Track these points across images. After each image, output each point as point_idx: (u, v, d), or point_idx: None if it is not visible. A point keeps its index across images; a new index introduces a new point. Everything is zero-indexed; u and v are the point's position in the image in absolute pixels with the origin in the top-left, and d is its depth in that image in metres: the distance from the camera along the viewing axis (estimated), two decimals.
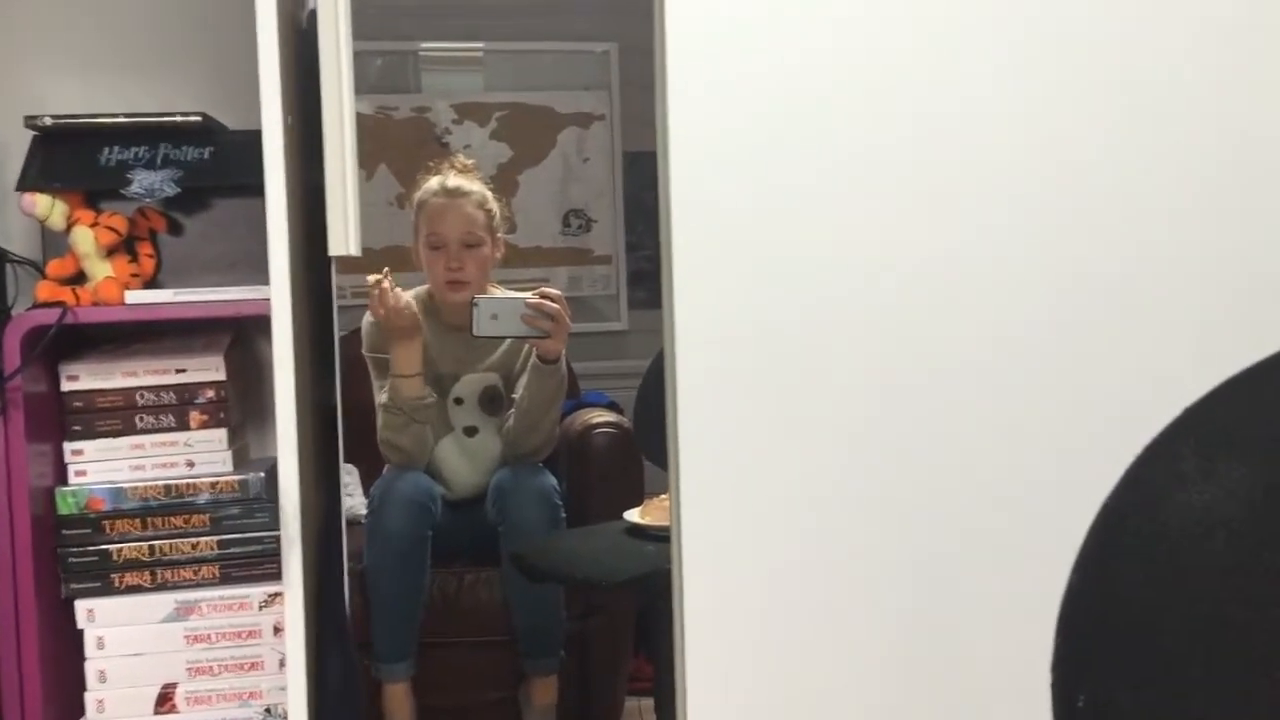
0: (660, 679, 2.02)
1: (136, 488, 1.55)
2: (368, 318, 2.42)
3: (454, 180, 2.39)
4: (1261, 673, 1.26)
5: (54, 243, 1.63)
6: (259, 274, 1.39)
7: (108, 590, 1.54)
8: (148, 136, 1.59)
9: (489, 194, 2.41)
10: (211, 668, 1.54)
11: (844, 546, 1.24)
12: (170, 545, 1.54)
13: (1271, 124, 1.24)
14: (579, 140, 3.53)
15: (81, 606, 1.54)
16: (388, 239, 3.18)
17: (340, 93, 1.28)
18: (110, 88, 1.73)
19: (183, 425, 1.57)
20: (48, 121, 1.56)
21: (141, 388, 1.57)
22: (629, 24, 3.41)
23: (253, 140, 1.37)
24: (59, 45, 1.74)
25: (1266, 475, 1.24)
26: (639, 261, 3.57)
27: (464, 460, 2.41)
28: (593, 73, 3.53)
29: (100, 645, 1.53)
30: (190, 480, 1.56)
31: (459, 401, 2.40)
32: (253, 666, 1.54)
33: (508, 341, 2.36)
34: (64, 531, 1.54)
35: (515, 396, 2.37)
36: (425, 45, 3.51)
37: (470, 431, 2.40)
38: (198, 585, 1.54)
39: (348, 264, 1.64)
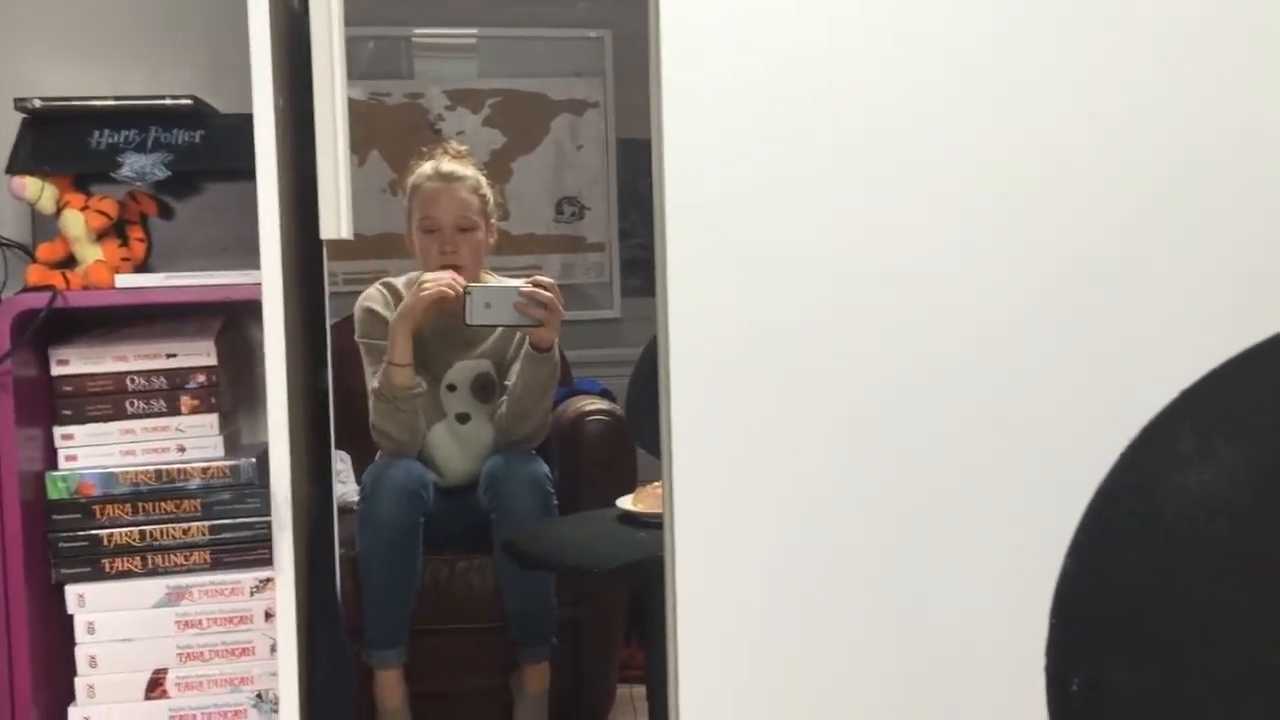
0: (652, 666, 2.02)
1: (127, 473, 1.54)
2: (361, 303, 2.41)
3: (448, 165, 2.38)
4: (1257, 656, 1.26)
5: (44, 226, 1.62)
6: (250, 258, 1.38)
7: (98, 575, 1.53)
8: (138, 119, 1.58)
9: (483, 179, 2.41)
10: (203, 653, 1.54)
11: (836, 533, 1.24)
12: (161, 530, 1.54)
13: (1265, 109, 1.24)
14: (572, 127, 3.52)
15: (72, 592, 1.53)
16: (380, 226, 3.17)
17: (332, 74, 1.27)
18: (100, 70, 1.71)
19: (174, 410, 1.56)
20: (37, 104, 1.55)
21: (132, 372, 1.56)
22: (623, 10, 3.40)
23: (244, 124, 1.36)
24: (49, 28, 1.73)
25: (1265, 457, 1.24)
26: (632, 249, 3.56)
27: (456, 447, 2.40)
28: (586, 59, 3.52)
29: (91, 630, 1.53)
30: (181, 465, 1.55)
31: (452, 388, 2.40)
32: (244, 652, 1.54)
33: (501, 328, 2.35)
34: (54, 516, 1.53)
35: (508, 383, 2.37)
36: (419, 31, 3.49)
37: (463, 418, 2.40)
38: (189, 570, 1.54)
39: (340, 251, 1.63)
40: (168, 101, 1.58)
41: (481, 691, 2.37)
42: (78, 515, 1.53)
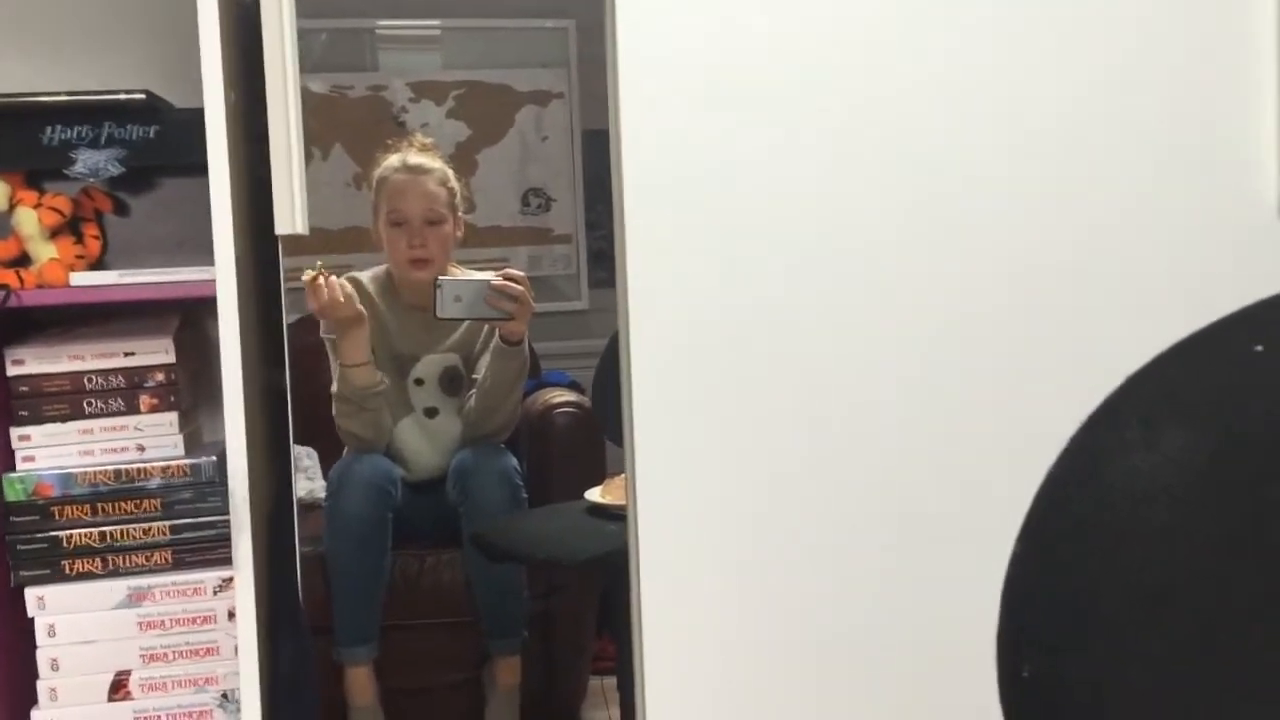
0: (623, 658, 2.02)
1: (86, 473, 1.52)
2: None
3: (415, 158, 2.36)
4: (1205, 641, 1.27)
5: None
6: (207, 254, 1.37)
7: (58, 577, 1.51)
8: (91, 115, 1.56)
9: (450, 172, 2.39)
10: (166, 654, 1.52)
11: (798, 523, 1.24)
12: (121, 531, 1.52)
13: (1220, 96, 1.24)
14: (537, 119, 3.50)
15: (31, 594, 1.51)
16: (345, 220, 3.15)
17: (284, 66, 1.26)
18: (52, 65, 1.69)
19: (132, 409, 1.55)
20: None
21: (89, 371, 1.54)
22: (586, 1, 3.38)
23: (199, 118, 1.34)
24: None
25: (1208, 442, 1.25)
26: (599, 240, 3.55)
27: (424, 441, 2.39)
28: (551, 50, 3.50)
29: (51, 633, 1.51)
30: (141, 465, 1.53)
31: (419, 382, 2.39)
32: (208, 652, 1.53)
33: (468, 321, 2.34)
34: (12, 519, 1.51)
35: (476, 377, 2.36)
36: (382, 23, 3.47)
37: (430, 413, 2.39)
38: (150, 571, 1.52)
39: (305, 245, 1.62)
40: (121, 96, 1.55)
41: (453, 686, 2.36)
42: (36, 517, 1.51)
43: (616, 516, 1.90)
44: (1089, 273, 1.25)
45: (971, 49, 1.22)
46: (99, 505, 1.52)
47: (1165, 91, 1.24)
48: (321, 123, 3.26)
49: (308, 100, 1.35)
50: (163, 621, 1.52)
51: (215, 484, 1.53)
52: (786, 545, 1.24)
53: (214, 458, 1.54)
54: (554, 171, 3.51)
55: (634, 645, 1.26)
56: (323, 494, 2.32)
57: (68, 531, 1.52)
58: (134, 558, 1.53)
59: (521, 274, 2.15)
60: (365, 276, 2.42)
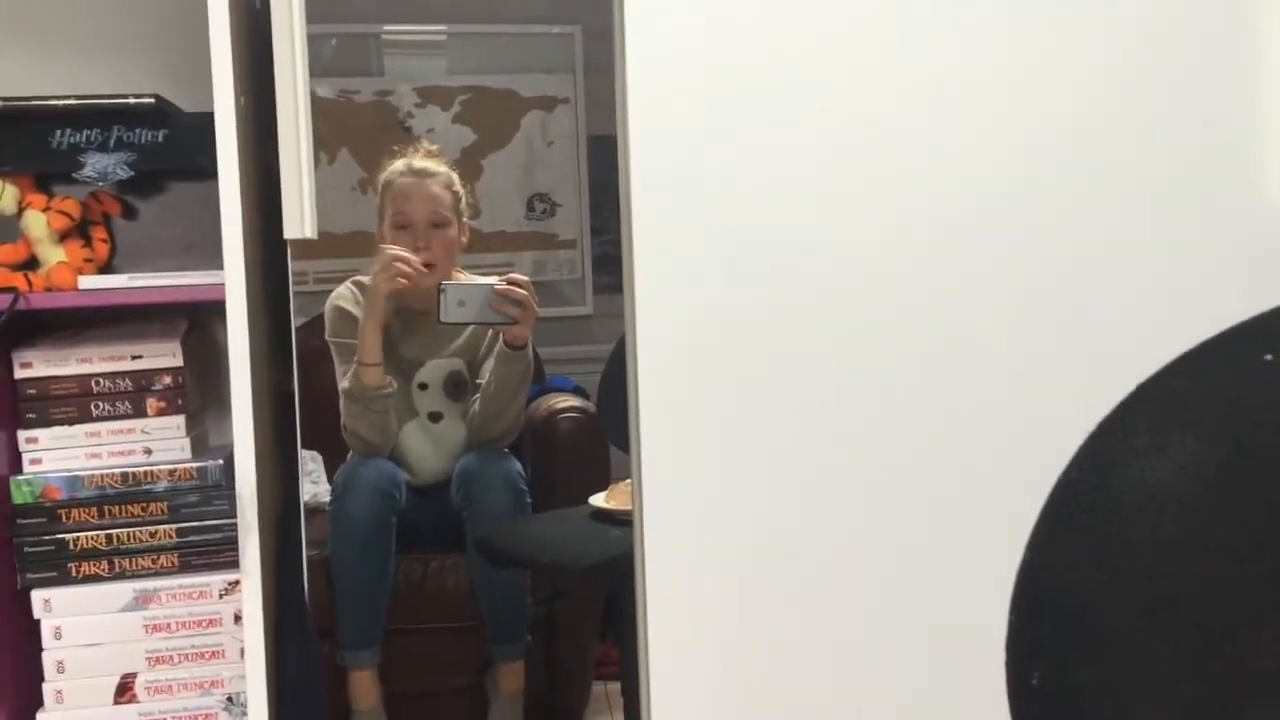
0: (627, 663, 2.02)
1: (93, 476, 1.52)
2: (332, 301, 2.40)
3: (420, 161, 2.37)
4: (1214, 648, 1.27)
5: (5, 228, 1.60)
6: (216, 258, 1.37)
7: (65, 580, 1.51)
8: (100, 119, 1.57)
9: (455, 176, 2.40)
10: (171, 657, 1.52)
11: (804, 529, 1.24)
12: (128, 534, 1.52)
13: (1227, 107, 1.25)
14: (543, 124, 3.50)
15: (38, 596, 1.51)
16: (351, 224, 3.15)
17: (294, 70, 1.26)
18: (61, 69, 1.69)
19: (140, 412, 1.55)
20: None
21: (97, 374, 1.54)
22: (592, 6, 3.39)
23: (208, 122, 1.35)
24: (8, 26, 1.71)
25: (1217, 450, 1.25)
26: (604, 246, 3.56)
27: (428, 446, 2.40)
28: (556, 56, 3.51)
29: (58, 635, 1.51)
30: (148, 468, 1.53)
31: (423, 387, 2.39)
32: (214, 655, 1.53)
33: (472, 326, 2.35)
34: (19, 521, 1.51)
35: (480, 382, 2.36)
36: (388, 28, 3.47)
37: (435, 417, 2.39)
38: (156, 574, 1.52)
39: (311, 250, 1.62)
40: (130, 100, 1.56)
41: (456, 691, 2.36)
42: (43, 519, 1.51)
43: (621, 522, 1.90)
44: (1098, 280, 1.25)
45: (976, 52, 1.23)
46: (106, 508, 1.52)
47: (1176, 99, 1.24)
48: (328, 127, 3.27)
49: (314, 105, 1.35)
50: (169, 624, 1.52)
51: (222, 487, 1.53)
52: (792, 551, 1.24)
53: (221, 461, 1.54)
54: (559, 177, 3.52)
55: (639, 650, 1.26)
56: (327, 498, 2.33)
57: (74, 534, 1.52)
58: (140, 560, 1.53)
59: (525, 278, 2.16)
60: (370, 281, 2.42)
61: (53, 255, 1.55)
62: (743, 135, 1.22)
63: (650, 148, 1.22)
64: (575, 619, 2.42)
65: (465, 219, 2.41)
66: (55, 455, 1.54)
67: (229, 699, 1.53)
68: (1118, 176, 1.25)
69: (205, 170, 1.45)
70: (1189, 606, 1.26)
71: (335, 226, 3.15)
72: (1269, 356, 1.26)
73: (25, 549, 1.51)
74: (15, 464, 1.54)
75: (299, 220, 1.29)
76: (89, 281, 1.53)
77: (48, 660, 1.51)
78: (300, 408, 1.64)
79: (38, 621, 1.52)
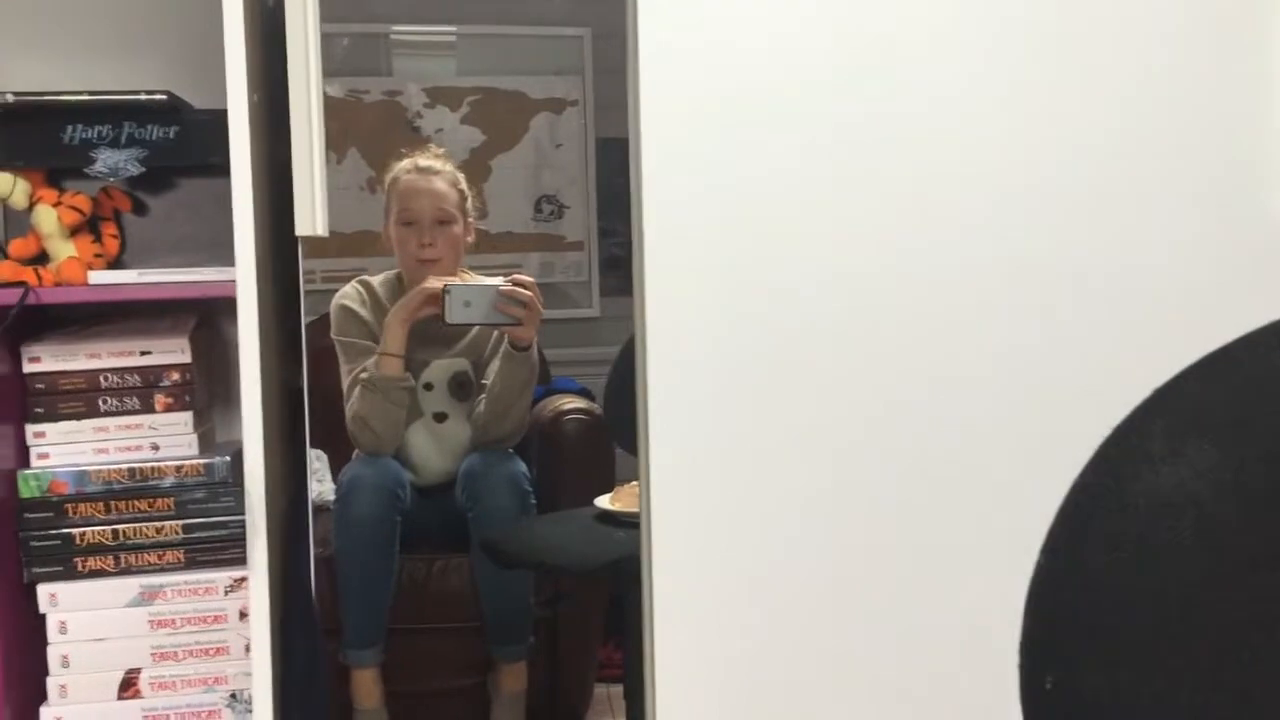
0: (631, 666, 2.02)
1: (100, 471, 1.53)
2: (337, 300, 2.40)
3: (426, 160, 2.38)
4: (1228, 653, 1.27)
5: (16, 222, 1.60)
6: (225, 255, 1.37)
7: (70, 574, 1.51)
8: (112, 115, 1.57)
9: (461, 175, 2.41)
10: (176, 653, 1.52)
11: (812, 533, 1.24)
12: (134, 529, 1.52)
13: (1241, 112, 1.25)
14: (552, 126, 3.51)
15: (44, 591, 1.51)
16: (358, 223, 3.15)
17: (308, 68, 1.26)
18: (73, 65, 1.70)
19: (147, 408, 1.55)
20: (9, 98, 1.54)
21: (105, 370, 1.54)
22: (602, 8, 3.39)
23: (218, 119, 1.35)
24: (21, 21, 1.71)
25: (1234, 455, 1.25)
26: (611, 248, 3.56)
27: (433, 446, 2.40)
28: (566, 58, 3.51)
29: (63, 630, 1.51)
30: (155, 464, 1.54)
31: (429, 387, 2.39)
32: (218, 652, 1.53)
33: (477, 327, 2.35)
34: (26, 515, 1.51)
35: (485, 382, 2.36)
36: (397, 28, 3.48)
37: (440, 417, 2.39)
38: (162, 570, 1.53)
39: (318, 248, 1.62)
40: (142, 97, 1.56)
41: (459, 691, 2.36)
42: (50, 514, 1.51)
43: (626, 524, 1.90)
44: (1115, 286, 1.25)
45: (992, 63, 1.23)
46: (112, 503, 1.52)
47: (1194, 105, 1.24)
48: (337, 127, 3.27)
49: (325, 104, 1.35)
50: (173, 620, 1.52)
51: (228, 484, 1.53)
52: (800, 555, 1.24)
53: (228, 458, 1.54)
54: (567, 179, 3.52)
55: (644, 652, 1.26)
56: (331, 496, 2.33)
57: (81, 529, 1.52)
58: (146, 556, 1.53)
59: (530, 279, 2.16)
60: (376, 280, 2.43)
61: (63, 250, 1.55)
62: (755, 138, 1.22)
63: (662, 150, 1.22)
64: (578, 621, 2.42)
65: (471, 218, 2.41)
66: (63, 450, 1.54)
67: (232, 695, 1.53)
68: (1134, 182, 1.25)
69: (216, 167, 1.46)
70: (1204, 611, 1.26)
71: (343, 225, 3.15)
72: None
73: (31, 543, 1.51)
74: (23, 458, 1.54)
75: (311, 217, 1.29)
76: (99, 277, 1.53)
77: (52, 655, 1.52)
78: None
79: (43, 616, 1.52)
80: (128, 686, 1.52)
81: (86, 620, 1.52)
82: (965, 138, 1.23)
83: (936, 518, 1.25)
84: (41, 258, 1.57)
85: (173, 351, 1.56)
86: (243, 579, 1.50)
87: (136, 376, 1.55)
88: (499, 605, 2.30)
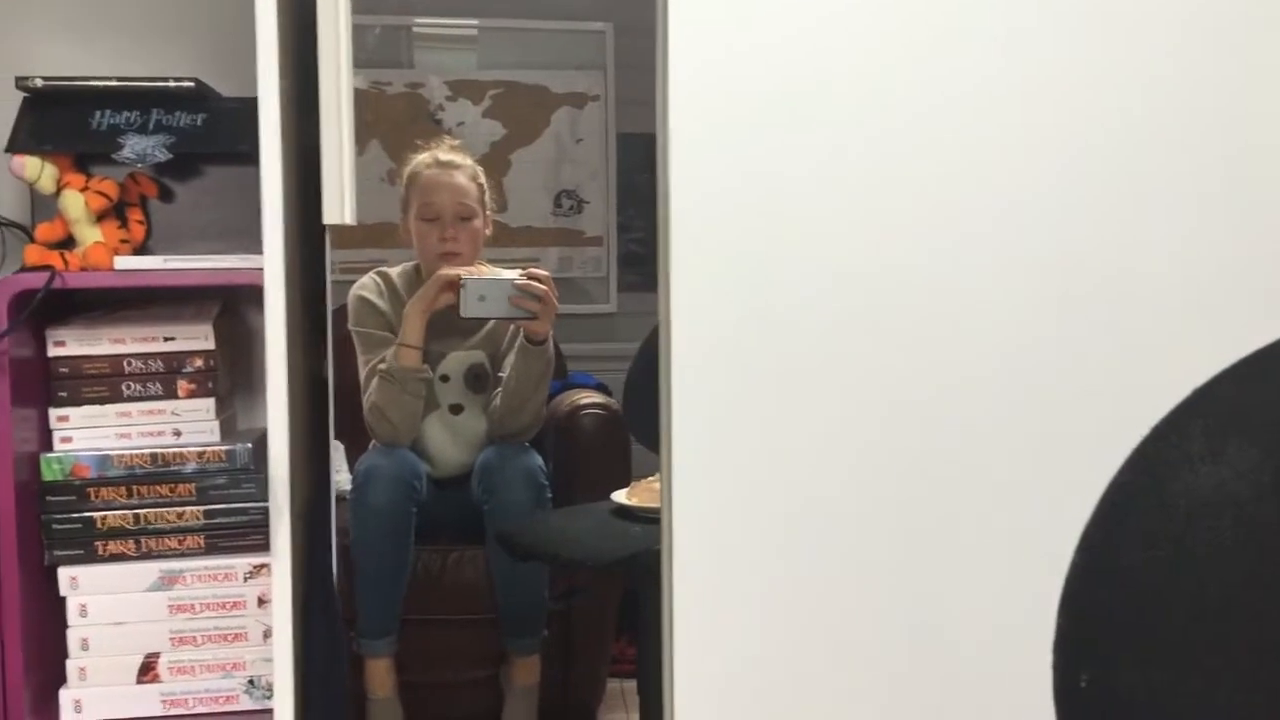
0: (644, 661, 2.02)
1: (122, 455, 1.53)
2: (355, 291, 2.40)
3: (446, 154, 2.38)
4: (1266, 655, 1.26)
5: (43, 206, 1.61)
6: (249, 242, 1.38)
7: (91, 558, 1.52)
8: (140, 101, 1.57)
9: (480, 169, 2.42)
10: (195, 638, 1.53)
11: (836, 531, 1.24)
12: (155, 514, 1.53)
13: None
14: (573, 120, 3.51)
15: (65, 574, 1.52)
16: (379, 215, 3.16)
17: (338, 54, 1.27)
18: (103, 51, 1.71)
19: (170, 394, 1.56)
20: (39, 83, 1.54)
21: (129, 355, 1.55)
22: (625, 4, 3.39)
23: (246, 107, 1.35)
24: (52, 7, 1.72)
25: (1275, 456, 1.24)
26: (630, 244, 3.55)
27: (449, 437, 2.40)
28: (588, 53, 3.51)
29: (83, 613, 1.52)
30: (177, 449, 1.54)
31: (445, 379, 2.39)
32: (236, 637, 1.53)
33: (493, 320, 2.35)
34: (48, 498, 1.52)
35: (502, 375, 2.36)
36: (419, 21, 3.48)
37: (455, 409, 2.40)
38: (182, 555, 1.53)
39: (337, 239, 1.63)
40: (170, 83, 1.57)
41: (472, 682, 2.36)
42: (72, 497, 1.52)
43: (643, 519, 1.90)
44: (1156, 285, 1.24)
45: (1022, 55, 1.22)
46: (134, 488, 1.53)
47: (1235, 100, 1.23)
48: (359, 118, 3.28)
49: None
50: (193, 605, 1.53)
51: (250, 471, 1.53)
52: (827, 554, 1.24)
53: (249, 444, 1.55)
54: (587, 174, 3.52)
55: (663, 649, 1.26)
56: (348, 486, 2.33)
57: (102, 513, 1.53)
58: (167, 541, 1.54)
59: (546, 273, 2.16)
60: (394, 272, 2.43)
61: (89, 235, 1.56)
62: (781, 136, 1.22)
63: (689, 147, 1.22)
64: (593, 615, 2.42)
65: (489, 211, 2.42)
66: (86, 434, 1.55)
67: (250, 681, 1.53)
68: (1176, 179, 1.24)
69: (242, 155, 1.46)
70: (1243, 611, 1.25)
71: (363, 217, 3.14)
72: None
73: (53, 526, 1.52)
74: (46, 441, 1.55)
75: (339, 205, 1.30)
76: (124, 262, 1.54)
77: (72, 637, 1.52)
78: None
79: (63, 599, 1.52)
80: (147, 670, 1.53)
81: (107, 604, 1.52)
82: (1000, 138, 1.22)
83: (966, 516, 1.24)
84: (68, 242, 1.57)
85: (196, 338, 1.56)
86: (262, 565, 1.51)
87: (160, 362, 1.56)
88: (513, 598, 2.30)
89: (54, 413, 1.54)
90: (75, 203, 1.56)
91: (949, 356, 1.24)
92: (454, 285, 2.17)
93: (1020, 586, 1.24)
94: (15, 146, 1.56)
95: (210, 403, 1.56)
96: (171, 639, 1.53)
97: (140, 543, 1.53)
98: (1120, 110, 1.23)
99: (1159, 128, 1.23)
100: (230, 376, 1.67)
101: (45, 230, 1.58)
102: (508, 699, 2.32)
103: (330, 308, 1.62)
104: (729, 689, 1.25)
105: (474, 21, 3.51)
